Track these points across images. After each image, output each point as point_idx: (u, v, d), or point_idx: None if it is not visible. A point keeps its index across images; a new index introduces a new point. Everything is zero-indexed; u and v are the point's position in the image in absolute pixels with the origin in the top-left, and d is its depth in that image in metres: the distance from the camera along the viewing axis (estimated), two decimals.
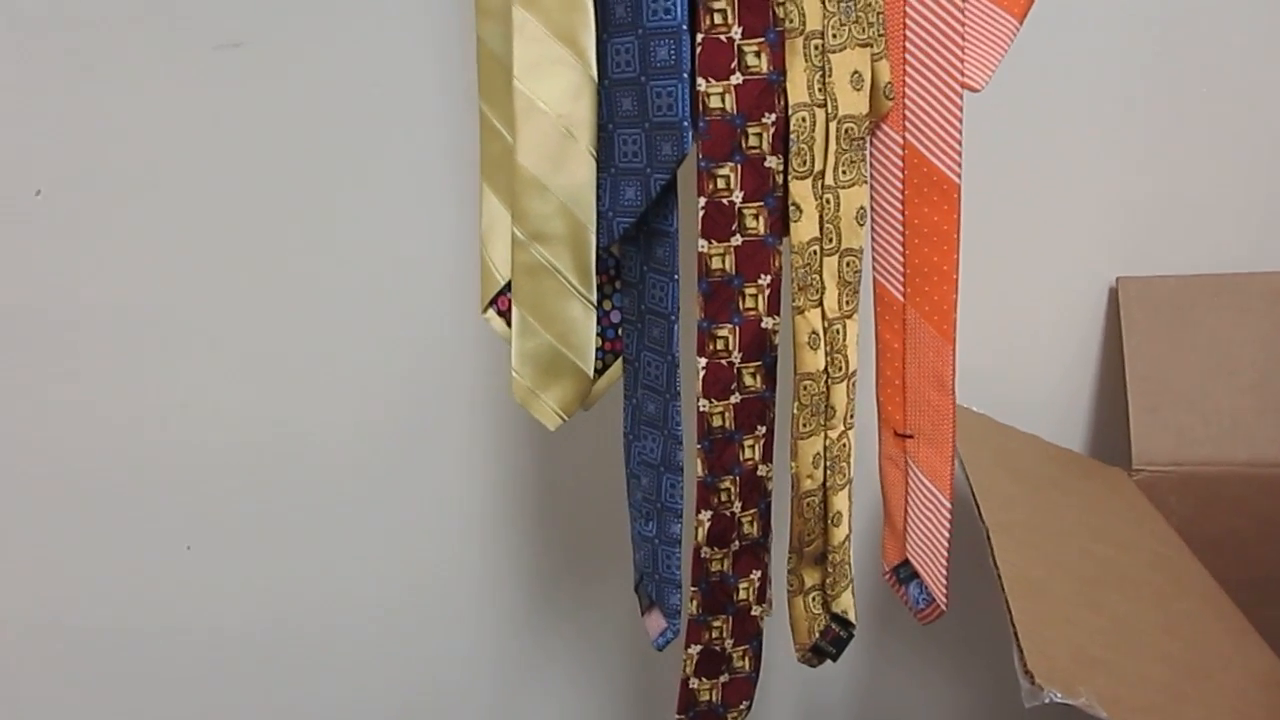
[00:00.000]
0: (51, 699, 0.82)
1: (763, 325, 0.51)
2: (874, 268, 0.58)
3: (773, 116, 0.49)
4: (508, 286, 0.55)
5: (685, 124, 0.48)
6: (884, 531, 0.62)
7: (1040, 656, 0.45)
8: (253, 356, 0.78)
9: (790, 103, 0.50)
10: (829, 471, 0.56)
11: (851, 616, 0.59)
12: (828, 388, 0.55)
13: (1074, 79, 0.78)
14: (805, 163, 0.51)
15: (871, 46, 0.53)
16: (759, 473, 0.54)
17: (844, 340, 0.55)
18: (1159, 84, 0.78)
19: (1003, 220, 0.80)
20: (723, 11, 0.47)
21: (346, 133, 0.74)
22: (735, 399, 0.52)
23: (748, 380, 0.52)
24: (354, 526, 0.83)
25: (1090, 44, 0.77)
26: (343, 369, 0.79)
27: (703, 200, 0.49)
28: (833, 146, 0.52)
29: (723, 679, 0.58)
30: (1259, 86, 0.78)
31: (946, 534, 0.58)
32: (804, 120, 0.50)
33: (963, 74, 0.54)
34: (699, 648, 0.56)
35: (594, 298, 0.53)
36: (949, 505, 0.58)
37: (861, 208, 0.55)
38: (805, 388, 0.53)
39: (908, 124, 0.55)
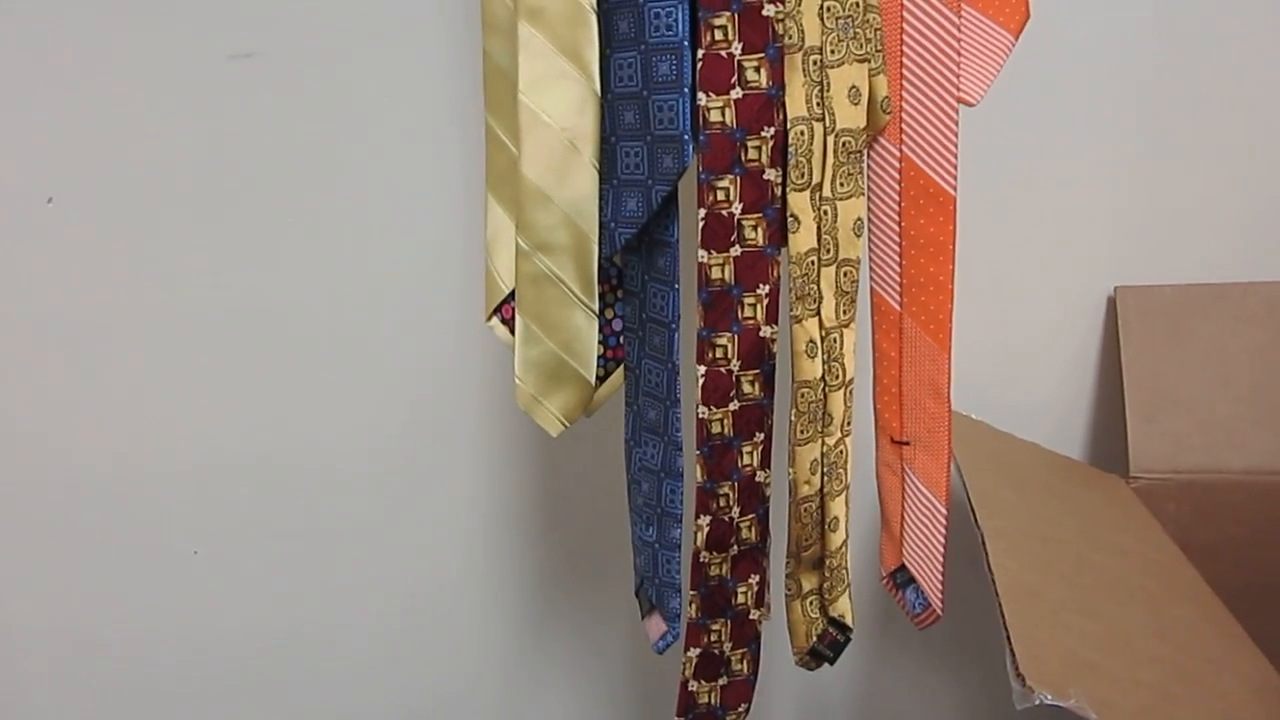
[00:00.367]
0: (57, 704, 0.83)
1: (761, 334, 0.52)
2: (871, 278, 0.59)
3: (772, 130, 0.50)
4: (512, 295, 0.56)
5: (686, 137, 0.49)
6: (881, 537, 0.63)
7: (1032, 660, 0.45)
8: (260, 363, 0.78)
9: (789, 117, 0.51)
10: (826, 478, 0.57)
11: (849, 621, 0.60)
12: (825, 395, 0.55)
13: (1072, 90, 0.78)
14: (803, 175, 0.52)
15: (869, 62, 0.54)
16: (757, 479, 0.55)
17: (841, 349, 0.56)
18: (1156, 96, 0.78)
19: (1003, 230, 0.81)
20: (723, 28, 0.48)
21: (355, 144, 0.75)
22: (734, 406, 0.53)
23: (746, 388, 0.53)
24: (358, 532, 0.84)
25: (1088, 56, 0.78)
26: (348, 376, 0.80)
27: (703, 211, 0.50)
28: (830, 159, 0.53)
29: (721, 682, 0.59)
30: (1256, 98, 0.78)
31: (942, 540, 0.59)
32: (802, 134, 0.51)
33: (958, 89, 0.55)
34: (698, 651, 0.57)
35: (596, 306, 0.53)
36: (945, 511, 0.59)
37: (859, 219, 0.55)
38: (803, 395, 0.54)
39: (905, 137, 0.56)
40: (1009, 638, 0.48)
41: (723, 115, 0.49)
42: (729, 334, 0.52)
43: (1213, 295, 0.79)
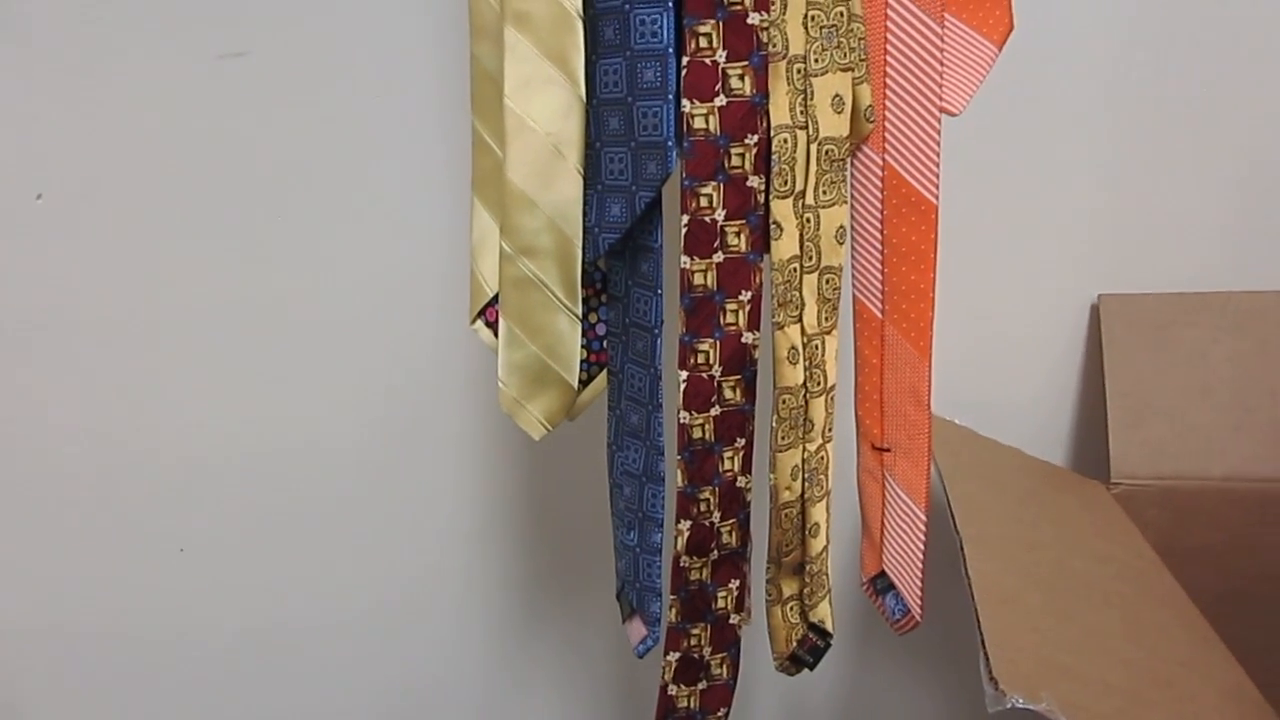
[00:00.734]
0: (46, 702, 0.83)
1: (743, 340, 0.53)
2: (854, 285, 0.59)
3: (755, 138, 0.50)
4: (496, 298, 0.56)
5: (670, 144, 0.49)
6: (862, 543, 0.63)
7: (1005, 663, 0.46)
8: (245, 362, 0.79)
9: (773, 124, 0.51)
10: (807, 483, 0.57)
11: (829, 626, 0.60)
12: (806, 401, 0.56)
13: (1056, 99, 0.79)
14: (786, 182, 0.52)
15: (853, 71, 0.54)
16: (738, 484, 0.55)
17: (823, 355, 0.56)
18: (1140, 105, 0.79)
19: (987, 238, 0.81)
20: (708, 35, 0.49)
21: (342, 146, 0.75)
22: (716, 411, 0.53)
23: (728, 393, 0.53)
24: (342, 531, 0.84)
25: (1071, 65, 0.78)
26: (333, 376, 0.80)
27: (686, 218, 0.51)
28: (814, 167, 0.53)
29: (701, 686, 0.59)
30: (1238, 106, 0.79)
31: (921, 546, 0.59)
32: (786, 141, 0.51)
33: (941, 99, 0.55)
34: (678, 655, 0.57)
35: (579, 311, 0.54)
36: (924, 518, 0.59)
37: (841, 227, 0.56)
38: (784, 401, 0.55)
39: (888, 146, 0.56)
40: (983, 641, 0.48)
41: (707, 122, 0.49)
42: (711, 339, 0.52)
43: (1195, 304, 0.79)
